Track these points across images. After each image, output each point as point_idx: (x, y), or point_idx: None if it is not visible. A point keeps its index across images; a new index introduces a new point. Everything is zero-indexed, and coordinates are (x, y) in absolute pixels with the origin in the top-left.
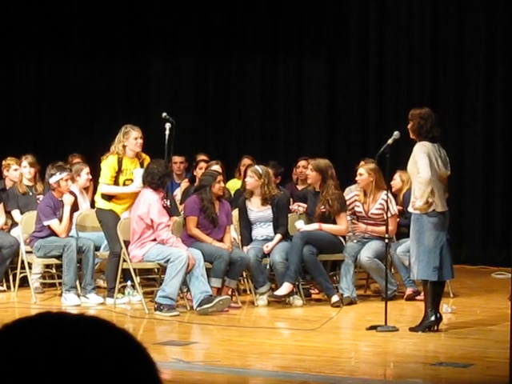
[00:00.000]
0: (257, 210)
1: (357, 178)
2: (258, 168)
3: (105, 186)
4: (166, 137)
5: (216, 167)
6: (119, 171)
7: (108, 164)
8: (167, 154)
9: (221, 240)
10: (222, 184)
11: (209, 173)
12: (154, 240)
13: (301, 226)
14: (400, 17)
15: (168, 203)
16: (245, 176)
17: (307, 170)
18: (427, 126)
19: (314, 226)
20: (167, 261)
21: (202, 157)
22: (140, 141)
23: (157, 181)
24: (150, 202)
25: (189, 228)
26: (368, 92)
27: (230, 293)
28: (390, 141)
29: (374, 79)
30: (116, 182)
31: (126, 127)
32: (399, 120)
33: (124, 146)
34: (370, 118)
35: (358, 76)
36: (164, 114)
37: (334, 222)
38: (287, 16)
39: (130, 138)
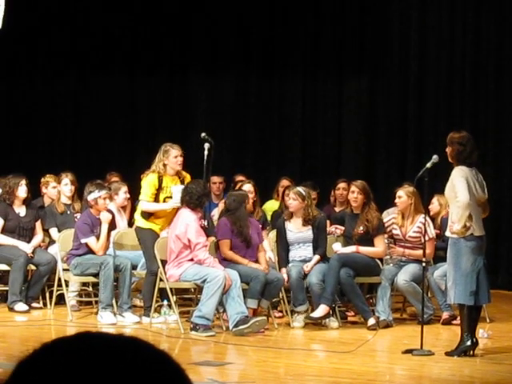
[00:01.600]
0: (296, 230)
1: (396, 201)
2: (301, 190)
3: (145, 203)
4: (205, 157)
5: (248, 186)
6: (159, 189)
7: (148, 182)
8: (206, 174)
9: (254, 259)
10: (250, 203)
11: (236, 194)
12: (191, 260)
13: (338, 248)
14: (441, 39)
15: (206, 223)
16: (283, 197)
17: (354, 193)
18: (466, 151)
19: (351, 249)
20: (204, 281)
21: (240, 177)
22: (180, 159)
23: (195, 201)
24: (188, 221)
25: (223, 252)
26: (407, 114)
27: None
28: (428, 164)
29: (413, 101)
30: (156, 200)
31: (166, 146)
32: (438, 143)
33: (164, 165)
34: (409, 141)
35: (398, 98)
36: (203, 135)
37: (372, 245)
38: (328, 36)
39: (170, 157)
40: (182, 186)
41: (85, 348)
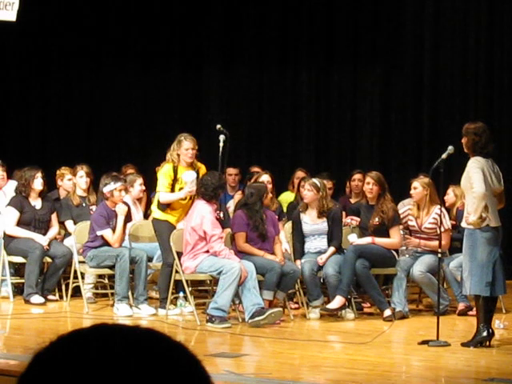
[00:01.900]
0: (311, 222)
1: (411, 192)
2: (316, 181)
3: (162, 193)
4: (220, 149)
5: (265, 177)
6: (175, 179)
7: (164, 172)
8: (221, 165)
9: (271, 251)
10: (270, 195)
11: (255, 187)
12: (207, 252)
13: (354, 239)
14: (455, 31)
15: (221, 215)
16: (298, 189)
17: (369, 185)
18: (482, 142)
19: (367, 240)
20: (219, 273)
21: (255, 169)
22: (191, 151)
23: (210, 192)
24: (204, 213)
25: (238, 244)
26: (422, 106)
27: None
28: (444, 155)
29: (428, 92)
30: (172, 190)
31: (181, 136)
32: (453, 134)
33: (178, 155)
34: (424, 132)
35: (412, 89)
36: (218, 126)
37: (388, 236)
38: (342, 29)
39: (182, 148)
40: (192, 172)
41: (101, 340)
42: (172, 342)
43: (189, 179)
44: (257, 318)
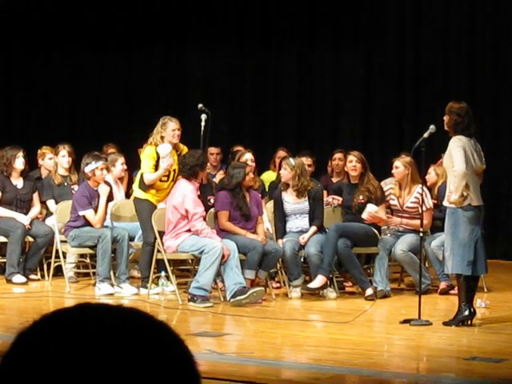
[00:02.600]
0: (293, 202)
1: (393, 171)
2: (292, 160)
3: (147, 174)
4: (202, 128)
5: (248, 155)
6: (158, 161)
7: (147, 154)
8: (203, 145)
9: (253, 230)
10: (252, 175)
11: (237, 165)
12: (189, 231)
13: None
14: (437, 9)
15: (212, 201)
16: (279, 168)
17: (352, 163)
18: (464, 123)
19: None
20: (201, 252)
21: (238, 148)
22: (178, 132)
23: (187, 170)
24: (185, 192)
25: (221, 222)
26: (404, 85)
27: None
28: (425, 134)
29: (410, 72)
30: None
31: (165, 118)
32: (435, 113)
33: (162, 137)
34: (406, 112)
35: (395, 69)
36: (200, 106)
37: None
38: (325, 7)
39: (168, 129)
40: (167, 145)
41: (84, 319)
42: (155, 321)
43: (164, 152)
44: (239, 297)
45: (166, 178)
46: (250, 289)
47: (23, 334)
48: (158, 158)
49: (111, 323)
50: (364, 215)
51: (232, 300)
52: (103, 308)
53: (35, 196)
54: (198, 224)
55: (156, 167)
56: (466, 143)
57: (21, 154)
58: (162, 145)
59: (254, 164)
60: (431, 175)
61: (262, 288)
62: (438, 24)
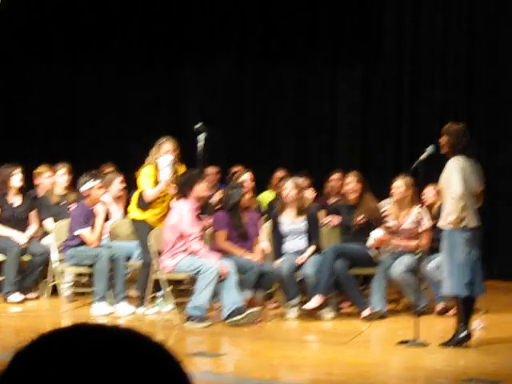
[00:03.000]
0: (290, 222)
1: (393, 191)
2: (298, 180)
3: (148, 190)
4: (200, 148)
5: (246, 175)
6: (156, 179)
7: (146, 173)
8: (201, 164)
9: (251, 251)
10: (249, 195)
11: (234, 186)
12: (186, 251)
13: (378, 234)
14: (435, 33)
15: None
16: (276, 188)
17: (351, 184)
18: (463, 143)
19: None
20: (198, 272)
21: (236, 168)
22: (174, 154)
23: (180, 189)
24: (182, 212)
25: (218, 242)
26: (402, 106)
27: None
28: (423, 156)
29: (407, 93)
30: None
31: (161, 140)
32: (433, 135)
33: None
34: (404, 133)
35: (392, 90)
36: (198, 125)
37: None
38: (324, 30)
39: (161, 151)
40: (169, 156)
41: (81, 339)
42: (151, 341)
43: (165, 163)
44: (236, 318)
45: (162, 199)
46: (247, 309)
47: (21, 353)
48: (155, 180)
49: (107, 344)
50: (369, 242)
51: (229, 320)
52: (100, 328)
53: (33, 214)
54: (194, 244)
55: (155, 184)
56: (464, 164)
57: (18, 171)
58: (163, 156)
59: (253, 183)
60: (428, 195)
61: (259, 308)
62: (435, 47)
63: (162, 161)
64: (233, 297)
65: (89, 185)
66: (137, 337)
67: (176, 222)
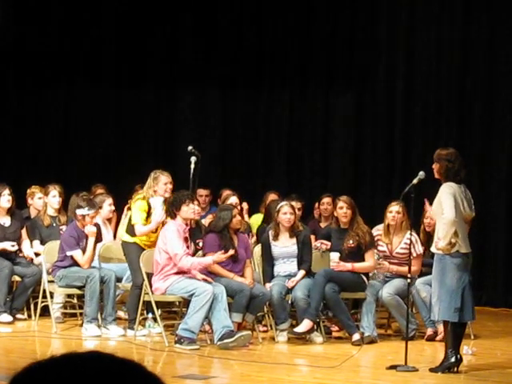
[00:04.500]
0: (281, 245)
1: (393, 216)
2: (294, 203)
3: (139, 226)
4: (192, 170)
5: (233, 199)
6: (148, 215)
7: (138, 207)
8: (192, 187)
9: (241, 273)
10: (239, 217)
11: (224, 208)
12: (178, 273)
13: (335, 258)
14: (429, 57)
15: (200, 244)
16: (267, 211)
17: (342, 209)
18: (455, 168)
19: (347, 267)
20: (191, 295)
21: (227, 192)
22: (170, 186)
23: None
24: (166, 232)
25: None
26: (394, 131)
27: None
28: (415, 180)
29: (400, 116)
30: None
31: (156, 172)
32: (424, 160)
33: (155, 191)
34: (396, 157)
35: (385, 115)
36: (190, 148)
37: (362, 259)
38: (316, 54)
39: (160, 183)
40: (161, 198)
41: (76, 368)
42: (149, 374)
43: (156, 204)
44: (226, 341)
45: (154, 230)
46: (238, 332)
47: (17, 378)
48: (149, 210)
49: (100, 372)
50: (331, 264)
51: (219, 343)
52: (93, 356)
53: (23, 231)
54: (183, 264)
55: (147, 219)
56: (456, 190)
57: (6, 192)
58: (154, 197)
59: (239, 207)
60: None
61: (249, 332)
62: (428, 71)
63: (154, 201)
64: (223, 320)
65: (83, 212)
66: (130, 366)
67: (163, 243)
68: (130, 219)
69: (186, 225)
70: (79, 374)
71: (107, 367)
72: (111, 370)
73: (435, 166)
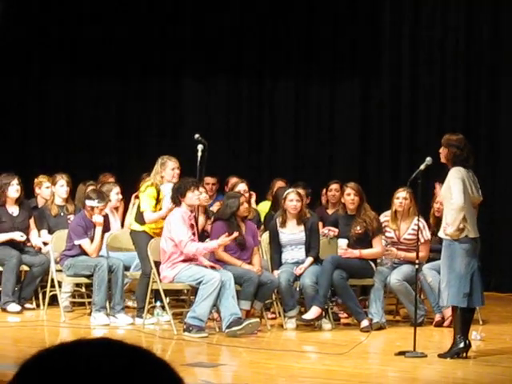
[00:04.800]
0: (289, 232)
1: (400, 202)
2: (300, 191)
3: (149, 213)
4: (199, 158)
5: (242, 186)
6: (157, 201)
7: (148, 194)
8: (199, 175)
9: (249, 261)
10: (246, 205)
11: (231, 195)
12: (185, 261)
13: (344, 245)
14: (433, 42)
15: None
16: (276, 198)
17: (350, 196)
18: (463, 154)
19: (355, 254)
20: (199, 282)
21: (234, 179)
22: (177, 171)
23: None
24: (171, 219)
25: (216, 252)
26: (400, 116)
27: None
28: (422, 166)
29: (405, 104)
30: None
31: (163, 158)
32: (431, 145)
33: (162, 177)
34: (403, 144)
35: (390, 101)
36: (196, 136)
37: (370, 245)
38: (321, 41)
39: (167, 169)
40: (170, 184)
41: (84, 354)
42: (158, 360)
43: (167, 191)
44: (234, 328)
45: (165, 214)
46: (246, 320)
47: (26, 365)
48: (158, 197)
49: (108, 358)
50: (339, 251)
51: (227, 331)
52: (101, 342)
53: (31, 221)
54: (189, 250)
55: (156, 206)
56: (464, 174)
57: (15, 181)
58: (165, 184)
59: (248, 194)
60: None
61: (258, 319)
62: (433, 56)
63: (165, 188)
64: (231, 307)
65: (93, 203)
66: (142, 353)
67: (168, 230)
68: (138, 207)
69: (191, 211)
70: (88, 360)
71: (116, 353)
72: (120, 356)
73: (443, 151)
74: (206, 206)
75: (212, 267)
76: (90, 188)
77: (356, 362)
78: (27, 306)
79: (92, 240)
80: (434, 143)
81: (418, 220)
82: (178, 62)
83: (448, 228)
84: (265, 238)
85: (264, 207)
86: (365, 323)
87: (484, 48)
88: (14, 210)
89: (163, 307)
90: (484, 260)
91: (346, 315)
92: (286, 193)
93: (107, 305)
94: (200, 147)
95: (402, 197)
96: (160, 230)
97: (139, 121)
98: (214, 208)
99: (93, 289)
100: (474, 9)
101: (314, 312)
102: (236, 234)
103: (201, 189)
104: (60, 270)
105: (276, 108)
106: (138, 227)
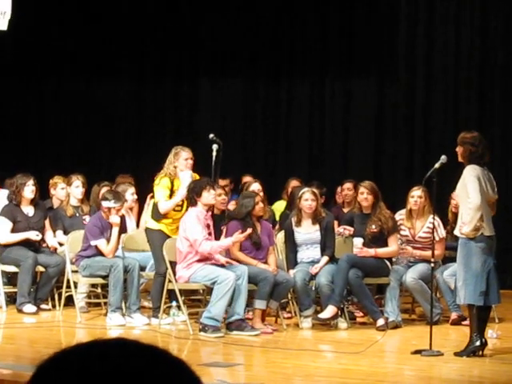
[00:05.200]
0: (304, 232)
1: (415, 201)
2: (315, 190)
3: (163, 202)
4: (213, 158)
5: (255, 185)
6: (171, 192)
7: (162, 185)
8: (214, 175)
9: (264, 260)
10: (261, 204)
11: (247, 195)
12: (200, 261)
13: (359, 244)
14: (448, 40)
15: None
16: (291, 198)
17: (363, 194)
18: (479, 152)
19: (370, 253)
20: (214, 282)
21: (247, 178)
22: (190, 161)
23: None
24: (186, 219)
25: (232, 252)
26: (414, 115)
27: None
28: (437, 165)
29: (420, 103)
30: None
31: (177, 148)
32: (446, 144)
33: (175, 167)
34: (416, 143)
35: (405, 100)
36: (211, 136)
37: (385, 244)
38: (336, 40)
39: (181, 159)
40: (189, 172)
41: (102, 356)
42: (175, 359)
43: (186, 178)
44: (235, 332)
45: (179, 208)
46: (247, 326)
47: (43, 367)
48: (172, 189)
49: (128, 360)
50: (354, 250)
51: (226, 331)
52: (119, 343)
53: (47, 222)
54: (204, 249)
55: (171, 197)
56: (479, 172)
57: (31, 182)
58: (183, 172)
59: (262, 194)
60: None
61: (259, 331)
62: (448, 55)
63: (183, 175)
64: (237, 306)
65: (109, 204)
66: (158, 353)
67: (183, 230)
68: (153, 205)
69: (207, 211)
70: (105, 361)
71: (133, 353)
72: (137, 356)
73: (459, 150)
74: (224, 208)
75: (228, 263)
76: (105, 189)
77: (372, 361)
78: (43, 306)
79: (108, 241)
80: (448, 143)
81: (434, 218)
82: (195, 63)
83: (464, 227)
84: (280, 237)
85: (279, 207)
86: (381, 322)
87: (497, 48)
88: (29, 210)
89: (179, 307)
90: (500, 258)
91: (361, 314)
92: (301, 192)
93: (123, 305)
94: (215, 147)
95: (416, 195)
96: (176, 228)
97: (155, 121)
98: (231, 207)
99: (108, 289)
100: (488, 10)
101: (329, 311)
102: (250, 230)
103: (219, 190)
104: (76, 271)
105: (291, 108)
106: (153, 225)
